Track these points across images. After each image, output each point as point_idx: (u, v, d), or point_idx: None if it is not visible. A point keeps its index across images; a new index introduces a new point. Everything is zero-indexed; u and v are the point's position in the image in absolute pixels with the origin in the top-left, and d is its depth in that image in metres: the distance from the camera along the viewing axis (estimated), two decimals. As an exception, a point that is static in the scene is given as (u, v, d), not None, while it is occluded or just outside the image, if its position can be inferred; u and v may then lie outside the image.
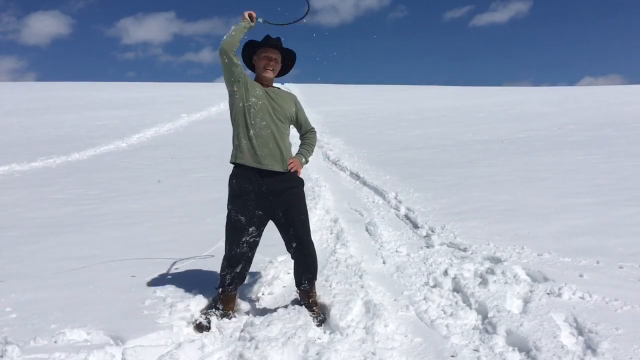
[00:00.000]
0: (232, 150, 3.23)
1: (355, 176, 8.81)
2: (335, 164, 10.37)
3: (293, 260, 3.39)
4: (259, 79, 3.26)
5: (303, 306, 3.30)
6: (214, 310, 3.25)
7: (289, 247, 3.33)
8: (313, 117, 21.06)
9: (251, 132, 3.14)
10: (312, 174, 9.27)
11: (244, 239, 3.18)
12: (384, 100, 29.45)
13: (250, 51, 3.26)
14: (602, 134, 11.81)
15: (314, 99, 31.13)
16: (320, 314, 3.27)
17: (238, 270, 3.24)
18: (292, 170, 3.24)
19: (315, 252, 3.37)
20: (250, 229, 3.18)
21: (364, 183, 8.15)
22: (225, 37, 3.06)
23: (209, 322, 3.13)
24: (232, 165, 3.25)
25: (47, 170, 10.69)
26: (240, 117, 3.18)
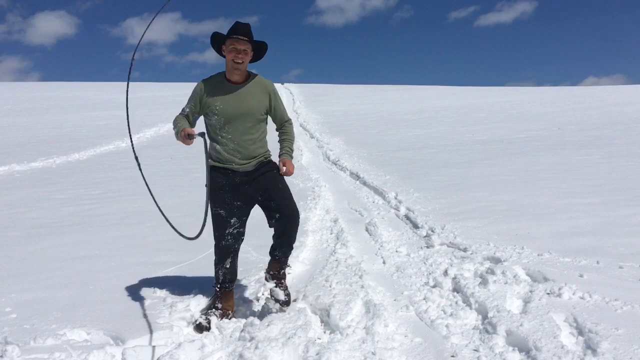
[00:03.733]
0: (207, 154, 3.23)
1: (355, 176, 8.81)
2: (335, 164, 10.37)
3: (273, 229, 3.32)
4: (228, 73, 3.16)
5: (268, 277, 3.39)
6: (213, 310, 3.26)
7: (270, 221, 3.28)
8: (313, 117, 21.07)
9: (221, 143, 3.19)
10: (312, 174, 9.27)
11: (227, 231, 3.22)
12: (384, 100, 29.46)
13: (220, 40, 3.17)
14: (602, 134, 11.82)
15: (314, 99, 31.15)
16: (287, 289, 3.36)
17: (228, 265, 3.29)
18: (286, 176, 3.27)
19: (298, 221, 3.32)
20: (232, 221, 3.22)
21: (364, 183, 8.15)
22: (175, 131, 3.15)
23: (209, 323, 3.13)
24: None
25: (47, 170, 10.69)
26: (208, 132, 3.23)
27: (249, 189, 3.21)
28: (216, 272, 3.32)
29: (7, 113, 24.35)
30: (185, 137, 3.01)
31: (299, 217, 3.30)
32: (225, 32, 3.11)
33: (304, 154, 12.00)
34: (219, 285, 3.32)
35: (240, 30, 3.06)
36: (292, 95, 33.36)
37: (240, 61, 3.07)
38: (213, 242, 3.28)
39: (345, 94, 35.98)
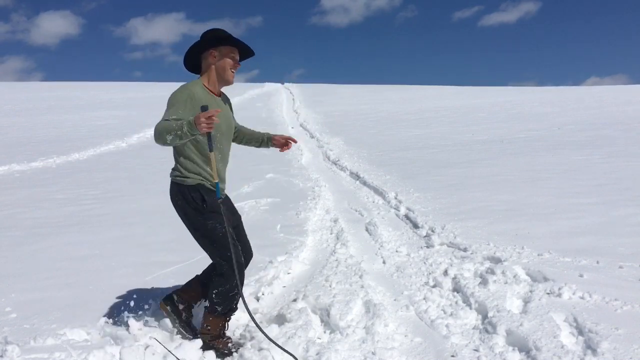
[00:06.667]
0: (189, 172, 2.77)
1: (355, 176, 8.80)
2: (335, 164, 10.36)
3: (218, 277, 2.82)
4: (215, 82, 2.82)
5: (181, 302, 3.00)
6: (230, 342, 2.90)
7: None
8: (313, 117, 21.06)
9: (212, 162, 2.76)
10: (312, 174, 9.26)
11: (237, 246, 2.85)
12: (384, 100, 29.44)
13: (208, 43, 2.76)
14: (602, 134, 11.81)
15: (315, 98, 31.14)
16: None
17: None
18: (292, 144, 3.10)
19: None
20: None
21: (364, 183, 8.15)
22: (164, 136, 2.51)
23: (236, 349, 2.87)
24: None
25: (47, 170, 10.68)
26: (191, 153, 2.75)
27: (227, 212, 2.87)
28: (232, 298, 2.83)
29: (7, 113, 24.33)
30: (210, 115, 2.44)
31: None
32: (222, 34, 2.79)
33: (304, 153, 11.99)
34: (228, 313, 2.93)
35: (246, 45, 2.83)
36: (292, 95, 33.33)
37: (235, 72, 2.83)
38: (223, 271, 2.75)
39: (345, 94, 35.96)
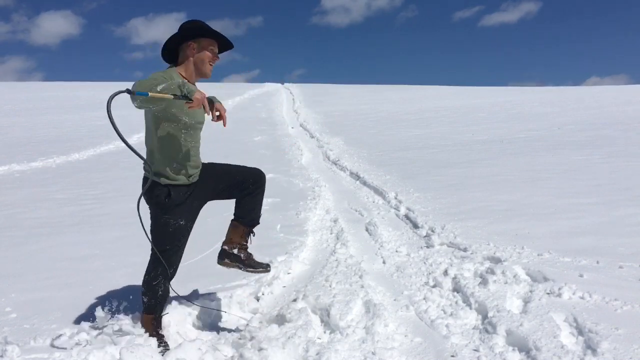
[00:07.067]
0: (155, 169, 2.83)
1: (355, 176, 8.80)
2: (335, 164, 10.36)
3: (250, 197, 3.01)
4: (195, 72, 2.76)
5: (235, 251, 3.04)
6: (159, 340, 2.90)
7: (244, 192, 2.99)
8: (313, 117, 21.05)
9: (182, 153, 2.79)
10: (312, 174, 9.26)
11: (185, 239, 2.92)
12: (384, 100, 29.44)
13: (188, 35, 2.71)
14: (602, 134, 11.81)
15: (315, 98, 31.13)
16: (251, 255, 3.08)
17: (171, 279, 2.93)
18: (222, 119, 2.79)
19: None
20: (189, 225, 2.92)
21: (364, 183, 8.15)
22: (151, 84, 2.45)
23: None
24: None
25: (47, 170, 10.68)
26: (172, 136, 2.77)
27: (201, 188, 2.93)
28: (155, 289, 2.91)
29: (7, 113, 24.32)
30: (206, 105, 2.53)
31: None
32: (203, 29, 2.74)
33: (304, 154, 11.99)
34: (157, 314, 2.96)
35: (228, 40, 2.82)
36: (292, 95, 33.33)
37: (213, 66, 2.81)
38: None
39: (345, 94, 35.96)
